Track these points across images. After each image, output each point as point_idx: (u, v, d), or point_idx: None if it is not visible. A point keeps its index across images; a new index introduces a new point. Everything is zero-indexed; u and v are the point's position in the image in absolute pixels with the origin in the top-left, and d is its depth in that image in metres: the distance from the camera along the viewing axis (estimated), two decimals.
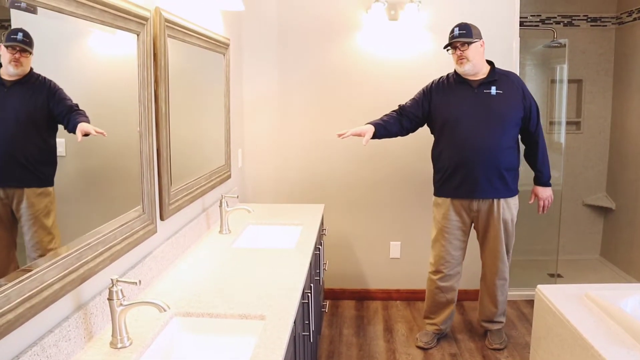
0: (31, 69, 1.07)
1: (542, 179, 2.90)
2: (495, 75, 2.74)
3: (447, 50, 2.73)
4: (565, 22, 4.20)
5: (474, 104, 2.73)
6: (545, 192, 2.91)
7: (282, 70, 3.50)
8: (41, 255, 1.17)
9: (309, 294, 1.97)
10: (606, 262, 4.37)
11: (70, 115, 1.23)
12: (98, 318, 1.48)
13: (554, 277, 3.97)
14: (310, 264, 2.14)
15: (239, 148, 3.36)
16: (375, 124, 2.83)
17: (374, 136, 2.79)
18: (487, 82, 2.73)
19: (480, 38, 2.69)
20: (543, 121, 3.03)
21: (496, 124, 2.69)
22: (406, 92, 3.46)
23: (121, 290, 1.39)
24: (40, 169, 1.15)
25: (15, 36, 1.04)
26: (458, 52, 2.69)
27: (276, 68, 3.49)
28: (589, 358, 1.91)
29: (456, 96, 2.78)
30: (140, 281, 1.40)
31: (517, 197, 2.86)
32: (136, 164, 1.76)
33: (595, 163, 4.38)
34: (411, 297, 3.73)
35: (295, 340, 1.68)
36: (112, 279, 1.39)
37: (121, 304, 1.39)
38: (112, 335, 1.41)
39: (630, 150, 4.04)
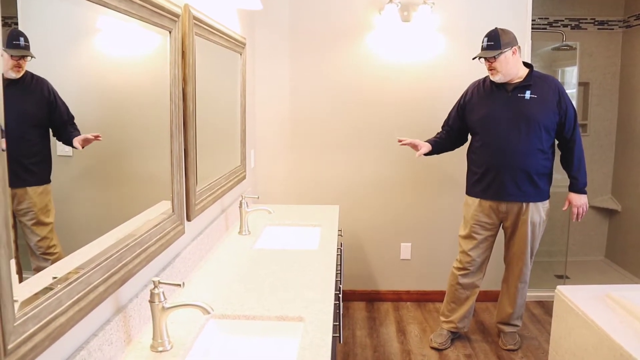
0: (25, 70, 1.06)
1: (577, 185, 2.83)
2: (532, 79, 2.71)
3: (480, 59, 2.72)
4: (573, 25, 4.22)
5: (506, 108, 2.71)
6: (579, 200, 2.83)
7: (294, 71, 3.48)
8: (44, 254, 1.14)
9: (339, 296, 1.95)
10: (611, 264, 4.39)
11: (65, 130, 1.21)
12: (135, 321, 1.45)
13: (562, 278, 3.99)
14: (336, 265, 2.13)
15: (252, 149, 3.33)
16: (432, 142, 2.97)
17: (430, 152, 2.97)
18: (522, 87, 2.70)
19: (512, 45, 2.63)
20: None
21: (527, 129, 2.67)
22: (418, 92, 3.48)
23: (163, 293, 1.36)
24: (40, 167, 1.14)
25: (18, 42, 1.02)
26: (487, 63, 2.68)
27: (288, 68, 3.47)
28: (618, 359, 1.91)
29: (490, 99, 2.78)
30: (184, 283, 1.37)
31: (548, 200, 2.85)
32: (157, 164, 1.71)
33: (601, 165, 4.41)
34: (421, 298, 3.72)
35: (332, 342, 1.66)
36: (154, 281, 1.36)
37: (163, 307, 1.36)
38: (153, 339, 1.38)
39: (636, 152, 4.07)
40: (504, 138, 2.71)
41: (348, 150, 3.56)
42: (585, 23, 4.22)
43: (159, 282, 1.36)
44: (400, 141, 2.93)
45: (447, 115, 3.03)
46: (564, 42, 3.94)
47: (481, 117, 2.80)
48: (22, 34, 1.02)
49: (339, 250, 2.46)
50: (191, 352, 1.42)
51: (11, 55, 1.00)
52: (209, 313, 1.34)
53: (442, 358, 2.96)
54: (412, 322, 3.42)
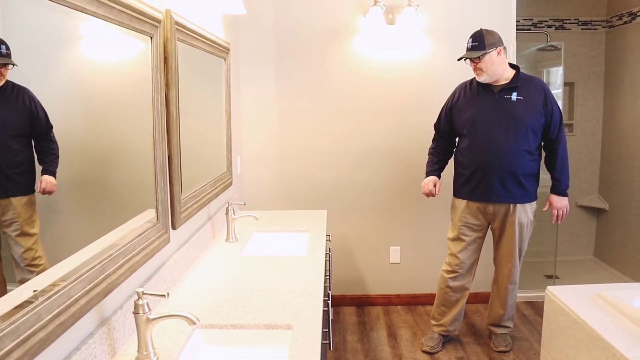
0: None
1: (559, 187, 2.83)
2: (518, 81, 2.71)
3: (465, 60, 2.73)
4: (557, 25, 4.25)
5: (493, 109, 2.72)
6: (560, 202, 2.84)
7: (279, 75, 3.45)
8: (28, 266, 1.11)
9: (328, 302, 1.93)
10: (600, 263, 4.41)
11: (43, 140, 1.18)
12: (120, 333, 1.42)
13: (552, 278, 4.00)
14: (324, 270, 2.10)
15: (238, 155, 3.30)
16: (437, 174, 3.01)
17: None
18: (508, 88, 2.71)
19: (497, 46, 2.64)
20: None
21: (514, 130, 2.68)
22: (405, 95, 3.47)
23: (147, 304, 1.33)
24: (23, 177, 1.11)
25: None
26: (472, 64, 2.70)
27: (273, 73, 3.45)
28: (609, 358, 1.90)
29: (476, 101, 2.78)
30: (168, 293, 1.34)
31: (535, 201, 2.85)
32: (141, 172, 1.67)
33: (588, 164, 4.43)
34: (412, 301, 3.71)
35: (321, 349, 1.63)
36: (137, 292, 1.33)
37: (148, 318, 1.32)
38: (138, 351, 1.34)
39: (622, 151, 4.10)
40: (491, 139, 2.71)
41: (335, 154, 3.54)
42: (569, 23, 4.25)
43: (143, 293, 1.33)
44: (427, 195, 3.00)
45: (436, 117, 3.03)
46: (549, 43, 3.96)
47: (468, 119, 2.80)
48: (2, 42, 1.00)
49: (328, 255, 2.44)
50: None
51: None
52: (195, 323, 1.31)
53: None
54: (403, 325, 3.40)
